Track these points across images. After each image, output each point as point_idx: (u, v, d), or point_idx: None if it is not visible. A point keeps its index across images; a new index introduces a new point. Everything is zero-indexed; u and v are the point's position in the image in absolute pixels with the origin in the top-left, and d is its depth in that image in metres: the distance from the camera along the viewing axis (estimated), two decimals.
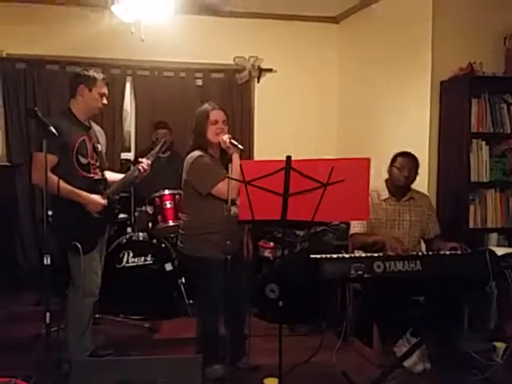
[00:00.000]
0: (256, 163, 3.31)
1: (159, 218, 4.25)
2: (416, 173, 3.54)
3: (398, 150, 3.62)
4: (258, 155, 5.38)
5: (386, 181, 3.61)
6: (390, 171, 3.58)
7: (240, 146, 2.97)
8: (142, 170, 3.31)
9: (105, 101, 3.24)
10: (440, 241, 3.49)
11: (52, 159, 2.94)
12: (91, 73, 3.20)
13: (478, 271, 2.99)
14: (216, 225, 3.03)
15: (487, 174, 3.82)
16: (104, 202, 3.16)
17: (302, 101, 5.56)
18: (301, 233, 4.45)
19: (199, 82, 5.41)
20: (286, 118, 5.50)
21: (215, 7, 4.80)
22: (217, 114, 3.09)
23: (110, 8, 3.88)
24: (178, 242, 3.23)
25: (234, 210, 3.01)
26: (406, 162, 3.50)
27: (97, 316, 3.72)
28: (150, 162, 3.34)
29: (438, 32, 3.99)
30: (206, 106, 3.14)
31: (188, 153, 3.11)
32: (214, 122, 3.06)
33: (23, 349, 3.46)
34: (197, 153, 3.06)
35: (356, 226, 3.55)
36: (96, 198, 3.14)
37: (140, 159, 3.38)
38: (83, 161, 3.14)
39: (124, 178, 3.38)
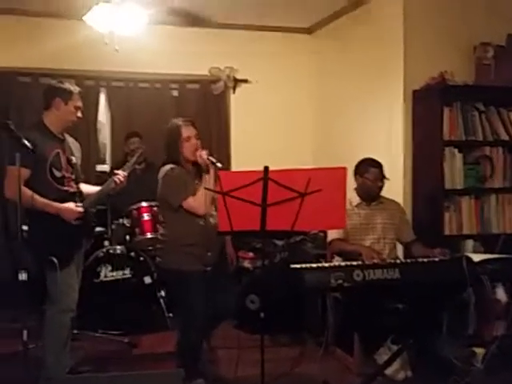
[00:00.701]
0: (234, 174, 3.32)
1: (137, 230, 4.21)
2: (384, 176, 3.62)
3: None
4: (236, 166, 5.38)
5: (356, 189, 3.67)
6: (361, 182, 3.62)
7: (218, 164, 2.98)
8: (118, 181, 3.27)
9: (79, 114, 3.21)
10: (422, 246, 3.54)
11: (25, 173, 2.89)
12: (67, 86, 3.16)
13: (456, 277, 3.03)
14: (192, 236, 3.03)
15: (461, 181, 3.87)
16: (79, 209, 3.11)
17: (278, 110, 5.58)
18: (280, 242, 4.45)
19: (175, 93, 5.39)
20: (263, 128, 5.51)
21: (194, 18, 4.77)
22: (188, 130, 3.09)
23: (83, 19, 3.85)
24: (157, 257, 3.20)
25: (212, 220, 2.99)
26: (378, 173, 3.58)
27: (75, 332, 3.64)
28: (126, 174, 3.31)
29: (410, 42, 4.05)
30: (176, 121, 3.14)
31: (161, 166, 3.12)
32: (187, 139, 3.07)
33: (0, 367, 3.38)
34: (169, 166, 3.07)
35: (333, 233, 3.60)
36: (70, 205, 3.09)
37: (116, 171, 3.35)
38: (57, 174, 3.10)
39: (100, 190, 3.34)
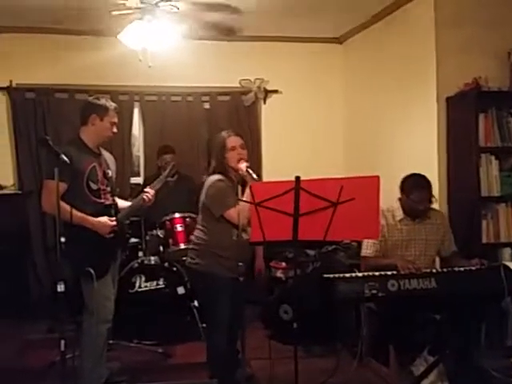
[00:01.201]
0: (265, 184, 3.32)
1: (170, 241, 4.27)
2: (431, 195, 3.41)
3: (407, 167, 3.59)
4: (267, 176, 5.38)
5: (400, 199, 3.50)
6: (406, 201, 3.41)
7: (254, 176, 3.01)
8: (146, 199, 3.33)
9: (115, 129, 3.28)
10: (460, 259, 3.43)
11: (62, 186, 2.93)
12: (103, 102, 3.24)
13: (493, 287, 2.97)
14: (225, 249, 3.07)
15: (498, 188, 3.80)
16: (113, 223, 3.18)
17: (309, 120, 5.59)
18: (312, 252, 4.43)
19: (206, 106, 5.48)
20: (294, 138, 5.53)
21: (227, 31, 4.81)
22: (233, 141, 3.14)
23: (116, 36, 3.95)
24: (188, 257, 3.24)
25: (244, 235, 3.02)
26: (424, 195, 3.34)
27: (110, 342, 3.68)
28: (154, 192, 3.36)
29: (442, 48, 4.01)
30: (222, 134, 3.21)
31: (209, 175, 3.18)
32: (232, 149, 3.12)
33: (38, 377, 3.45)
34: (216, 176, 3.12)
35: (368, 248, 3.46)
36: (104, 219, 3.15)
37: (145, 189, 3.40)
38: (94, 187, 3.17)
39: (131, 205, 3.42)
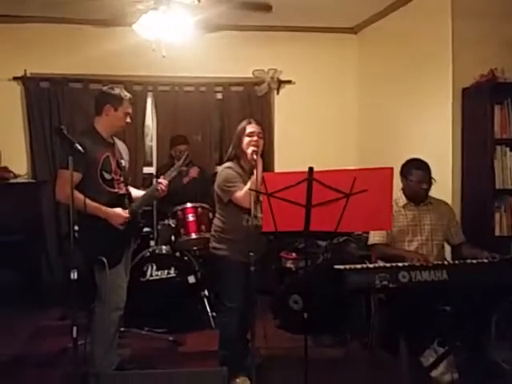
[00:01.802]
0: (278, 175, 3.32)
1: (182, 231, 4.29)
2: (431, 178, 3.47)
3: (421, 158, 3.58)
4: (279, 167, 5.39)
5: (403, 189, 3.56)
6: (406, 184, 3.49)
7: (255, 157, 3.07)
8: (160, 190, 3.34)
9: (129, 119, 3.29)
10: (470, 248, 3.44)
11: (76, 176, 2.95)
12: (117, 92, 3.23)
13: (505, 279, 2.95)
14: (238, 234, 3.15)
15: None
16: (126, 214, 3.20)
17: (322, 111, 5.57)
18: (323, 243, 4.43)
19: (219, 96, 5.48)
20: (306, 129, 5.51)
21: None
22: (252, 127, 3.24)
23: (132, 27, 3.95)
24: (210, 244, 3.36)
25: (255, 222, 3.03)
26: (422, 176, 3.41)
27: (122, 329, 3.71)
28: (167, 182, 3.38)
29: (458, 39, 3.97)
30: (244, 121, 3.30)
31: (224, 163, 3.29)
32: (249, 135, 3.21)
33: (50, 363, 3.50)
34: (225, 164, 3.25)
35: (375, 236, 3.50)
36: (118, 210, 3.17)
37: (159, 180, 3.40)
38: (107, 176, 3.19)
39: (144, 194, 3.43)
